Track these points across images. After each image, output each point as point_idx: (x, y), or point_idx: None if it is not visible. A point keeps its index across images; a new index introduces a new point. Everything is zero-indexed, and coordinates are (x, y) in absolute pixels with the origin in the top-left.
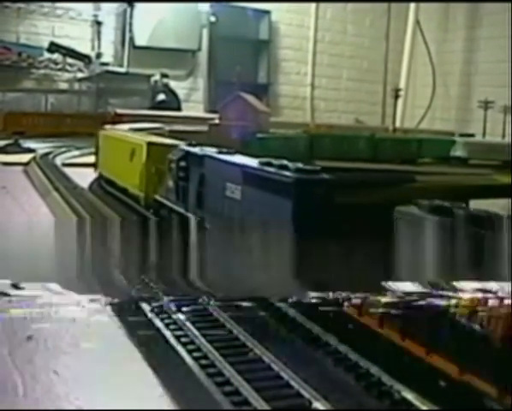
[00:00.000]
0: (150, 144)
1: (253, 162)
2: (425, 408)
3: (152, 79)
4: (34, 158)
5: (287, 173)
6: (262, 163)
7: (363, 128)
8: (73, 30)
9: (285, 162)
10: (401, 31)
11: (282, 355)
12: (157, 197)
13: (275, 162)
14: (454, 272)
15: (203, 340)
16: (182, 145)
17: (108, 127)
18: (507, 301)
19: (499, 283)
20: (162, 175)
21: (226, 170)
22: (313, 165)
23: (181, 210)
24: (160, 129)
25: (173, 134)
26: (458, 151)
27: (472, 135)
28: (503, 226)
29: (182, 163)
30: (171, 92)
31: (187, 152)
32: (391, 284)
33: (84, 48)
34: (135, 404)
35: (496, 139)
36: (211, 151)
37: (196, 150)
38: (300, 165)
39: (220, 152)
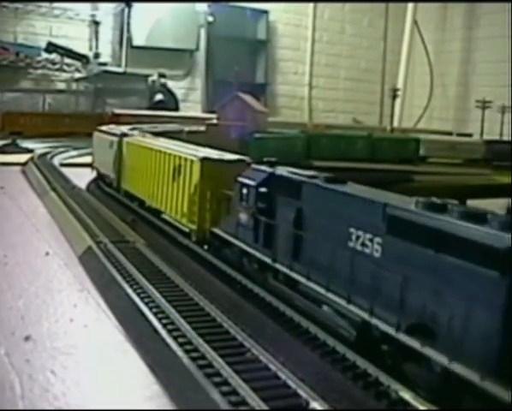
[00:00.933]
0: (205, 160)
1: (402, 201)
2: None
3: (150, 79)
4: (32, 158)
5: (487, 230)
6: (424, 206)
7: (361, 127)
8: (70, 30)
9: (462, 206)
10: (398, 31)
11: None
12: (219, 232)
13: (447, 203)
14: None
15: None
16: (259, 165)
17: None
18: None
19: None
20: (222, 202)
21: (350, 209)
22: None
23: (265, 258)
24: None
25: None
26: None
27: (470, 135)
28: None
29: (263, 190)
30: (169, 92)
31: (272, 175)
32: None
33: (82, 48)
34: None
35: (458, 138)
36: (312, 175)
37: (285, 172)
38: (493, 213)
39: (329, 180)
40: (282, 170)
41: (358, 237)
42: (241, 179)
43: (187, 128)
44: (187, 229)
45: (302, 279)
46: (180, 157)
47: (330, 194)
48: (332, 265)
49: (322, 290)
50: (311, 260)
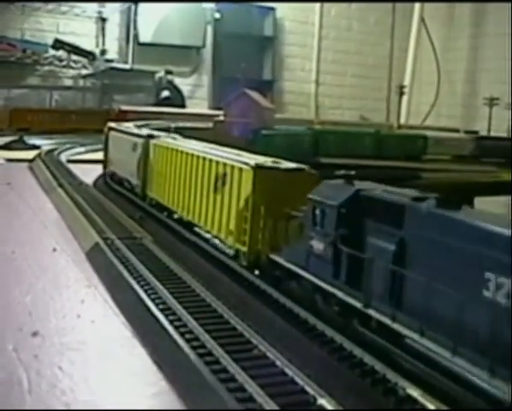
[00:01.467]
0: (259, 168)
1: None
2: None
3: (157, 75)
4: (39, 155)
5: None
6: None
7: (368, 124)
8: (77, 27)
9: None
10: (406, 28)
11: None
12: (279, 259)
13: None
14: None
15: None
16: (338, 180)
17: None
18: None
19: None
20: (280, 221)
21: (485, 246)
22: None
23: (352, 301)
24: None
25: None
26: None
27: (476, 132)
28: None
29: (347, 212)
30: (175, 89)
31: (358, 194)
32: None
33: (88, 45)
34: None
35: (445, 133)
36: (417, 197)
37: (379, 191)
38: None
39: (443, 204)
40: (372, 188)
41: (500, 286)
42: (314, 197)
43: (173, 125)
44: (231, 251)
45: (413, 335)
46: (225, 164)
47: (450, 224)
48: (457, 320)
49: (445, 353)
50: (420, 309)
